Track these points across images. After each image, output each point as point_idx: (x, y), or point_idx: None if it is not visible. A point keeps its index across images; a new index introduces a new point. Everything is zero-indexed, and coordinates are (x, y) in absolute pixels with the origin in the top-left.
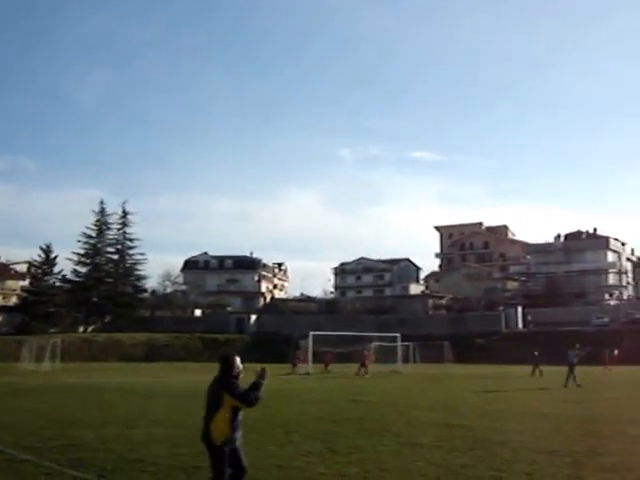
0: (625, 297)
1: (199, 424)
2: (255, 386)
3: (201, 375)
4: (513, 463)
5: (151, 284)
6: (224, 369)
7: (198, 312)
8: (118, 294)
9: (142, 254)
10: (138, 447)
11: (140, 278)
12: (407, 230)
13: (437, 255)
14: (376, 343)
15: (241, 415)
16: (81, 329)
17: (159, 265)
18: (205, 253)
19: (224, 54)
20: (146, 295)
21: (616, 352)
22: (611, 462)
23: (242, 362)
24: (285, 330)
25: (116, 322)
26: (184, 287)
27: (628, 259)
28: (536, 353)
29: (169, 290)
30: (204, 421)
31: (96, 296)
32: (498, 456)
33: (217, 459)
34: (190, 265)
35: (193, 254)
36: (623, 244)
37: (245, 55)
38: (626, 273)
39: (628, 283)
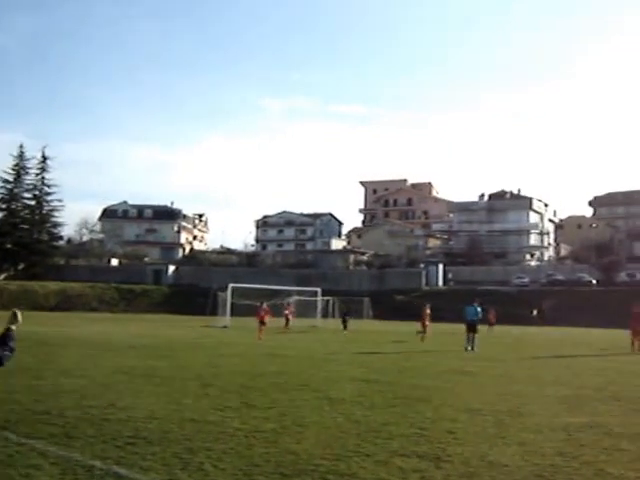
0: (546, 258)
1: (109, 375)
2: (3, 338)
3: (114, 326)
4: (435, 421)
5: (68, 232)
6: None
7: (115, 262)
8: (33, 241)
9: (60, 200)
10: (45, 398)
11: (56, 225)
12: (331, 184)
13: (361, 211)
14: (296, 297)
15: None
16: None
17: (77, 213)
18: (124, 202)
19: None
20: (62, 243)
21: (535, 312)
22: (534, 422)
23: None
24: (204, 282)
25: (30, 270)
26: (101, 236)
27: (550, 220)
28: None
29: (86, 238)
30: None
31: (10, 242)
32: (420, 413)
33: None
34: (108, 214)
35: (112, 203)
36: (546, 205)
37: (171, 1)
38: (547, 234)
39: (549, 244)
